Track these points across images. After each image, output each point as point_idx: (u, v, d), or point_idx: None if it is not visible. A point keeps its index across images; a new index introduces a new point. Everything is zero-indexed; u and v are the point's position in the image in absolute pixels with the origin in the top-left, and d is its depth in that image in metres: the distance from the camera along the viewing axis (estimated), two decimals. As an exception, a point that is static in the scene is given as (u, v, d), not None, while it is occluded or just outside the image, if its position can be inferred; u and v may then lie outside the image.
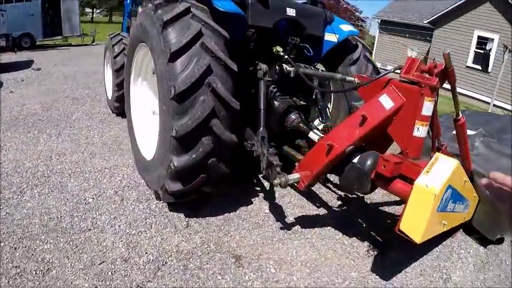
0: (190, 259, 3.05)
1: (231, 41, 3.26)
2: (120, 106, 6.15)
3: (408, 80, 2.71)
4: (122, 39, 6.18)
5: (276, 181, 3.03)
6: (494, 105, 15.14)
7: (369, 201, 4.49)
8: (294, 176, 3.10)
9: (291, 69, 3.81)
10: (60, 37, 20.44)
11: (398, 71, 2.85)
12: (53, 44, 19.75)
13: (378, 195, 4.53)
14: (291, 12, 3.85)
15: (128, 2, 7.41)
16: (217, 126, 3.04)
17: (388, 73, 2.86)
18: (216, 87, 2.95)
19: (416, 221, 2.46)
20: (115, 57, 6.01)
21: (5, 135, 5.22)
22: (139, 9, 4.65)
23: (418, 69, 2.70)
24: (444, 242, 3.80)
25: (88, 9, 40.51)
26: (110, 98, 6.58)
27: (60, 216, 3.41)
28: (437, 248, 3.71)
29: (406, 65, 2.74)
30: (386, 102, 2.75)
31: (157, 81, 3.25)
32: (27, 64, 11.71)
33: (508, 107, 16.34)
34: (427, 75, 2.67)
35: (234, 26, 3.42)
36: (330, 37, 4.27)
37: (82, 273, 2.77)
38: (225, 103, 3.05)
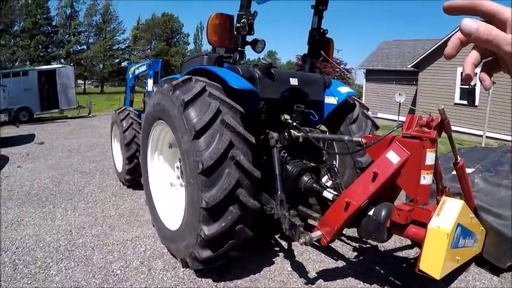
0: (228, 321, 3.19)
1: (245, 114, 3.55)
2: (132, 178, 6.37)
3: (410, 135, 3.02)
4: (128, 113, 6.51)
5: (301, 240, 3.24)
6: (486, 136, 15.07)
7: (382, 249, 4.65)
8: (317, 234, 3.31)
9: (299, 134, 4.11)
10: (57, 110, 20.96)
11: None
12: (50, 117, 20.18)
13: (389, 242, 4.67)
14: (294, 81, 4.20)
15: (131, 77, 7.86)
16: (243, 195, 3.27)
17: (391, 132, 3.17)
18: (239, 160, 3.22)
19: (434, 260, 2.71)
20: (124, 131, 6.28)
21: (21, 211, 5.42)
22: (153, 88, 4.95)
23: (417, 125, 3.02)
24: (459, 277, 3.95)
25: (80, 81, 41.86)
26: (120, 171, 6.79)
27: (91, 289, 3.53)
28: (453, 283, 3.86)
29: (406, 122, 3.06)
30: (393, 157, 3.04)
31: (181, 157, 3.50)
32: (28, 138, 12.08)
33: (500, 136, 16.38)
34: (426, 129, 2.99)
35: (247, 101, 3.72)
36: (330, 100, 4.57)
37: None
38: (247, 173, 3.31)
